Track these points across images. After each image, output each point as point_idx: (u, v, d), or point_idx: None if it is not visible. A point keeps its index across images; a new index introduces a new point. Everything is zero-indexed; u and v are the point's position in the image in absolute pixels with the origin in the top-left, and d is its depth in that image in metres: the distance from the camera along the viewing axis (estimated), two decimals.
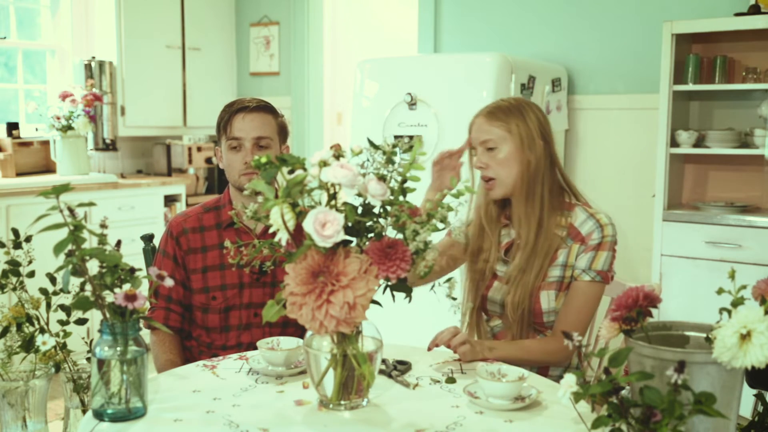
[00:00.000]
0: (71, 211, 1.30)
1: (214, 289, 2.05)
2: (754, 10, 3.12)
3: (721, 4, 3.41)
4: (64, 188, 1.27)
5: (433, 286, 1.99)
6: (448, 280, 1.49)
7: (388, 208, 1.34)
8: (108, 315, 1.32)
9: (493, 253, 1.97)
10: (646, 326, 1.27)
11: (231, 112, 2.05)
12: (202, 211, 2.12)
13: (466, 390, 1.49)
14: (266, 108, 2.07)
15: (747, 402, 1.34)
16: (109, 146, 4.60)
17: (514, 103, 1.94)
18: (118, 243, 1.43)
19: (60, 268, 1.32)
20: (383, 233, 1.33)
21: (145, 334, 1.73)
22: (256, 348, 1.72)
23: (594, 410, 1.16)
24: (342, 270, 1.27)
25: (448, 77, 3.33)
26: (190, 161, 4.81)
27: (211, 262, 2.05)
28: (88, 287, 1.33)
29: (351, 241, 1.34)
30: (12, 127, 4.27)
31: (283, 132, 2.12)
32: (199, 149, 4.85)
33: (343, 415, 1.40)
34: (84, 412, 1.58)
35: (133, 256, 4.59)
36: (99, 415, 1.35)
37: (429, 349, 1.75)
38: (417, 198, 1.37)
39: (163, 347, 2.04)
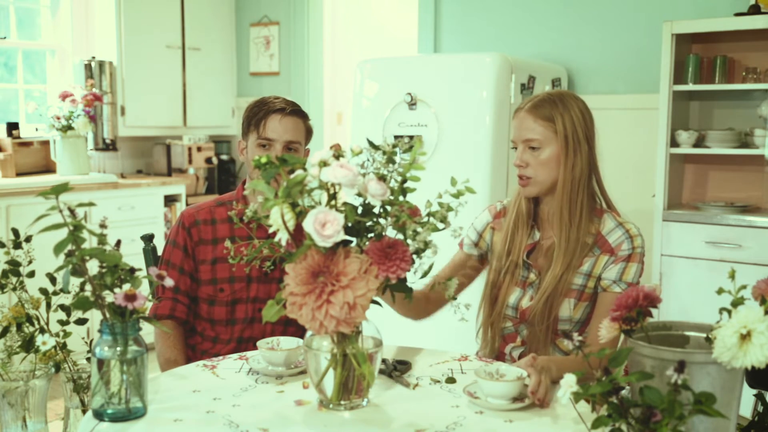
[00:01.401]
0: (71, 211, 1.30)
1: (222, 281, 2.06)
2: (754, 10, 3.12)
3: (721, 4, 3.41)
4: (64, 188, 1.27)
5: (432, 285, 1.99)
6: (449, 279, 1.49)
7: (388, 208, 1.34)
8: (108, 315, 1.32)
9: (519, 257, 1.91)
10: (646, 326, 1.27)
11: (267, 111, 2.07)
12: (214, 205, 2.14)
13: (465, 390, 1.49)
14: (300, 113, 2.12)
15: (747, 402, 1.35)
16: (109, 146, 4.60)
17: (560, 96, 1.86)
18: (118, 243, 1.43)
19: (60, 268, 1.32)
20: (383, 233, 1.33)
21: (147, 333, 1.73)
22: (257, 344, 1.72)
23: (594, 410, 1.16)
24: (342, 270, 1.27)
25: (448, 77, 3.33)
26: (190, 161, 4.81)
27: (221, 254, 2.05)
28: (88, 287, 1.33)
29: (351, 241, 1.34)
30: (12, 127, 4.27)
31: (309, 135, 2.16)
32: (199, 149, 4.85)
33: (343, 415, 1.40)
34: (84, 412, 1.59)
35: (133, 256, 4.57)
36: (99, 415, 1.35)
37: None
38: (417, 198, 1.37)
39: (166, 342, 2.04)
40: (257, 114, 2.08)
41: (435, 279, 2.00)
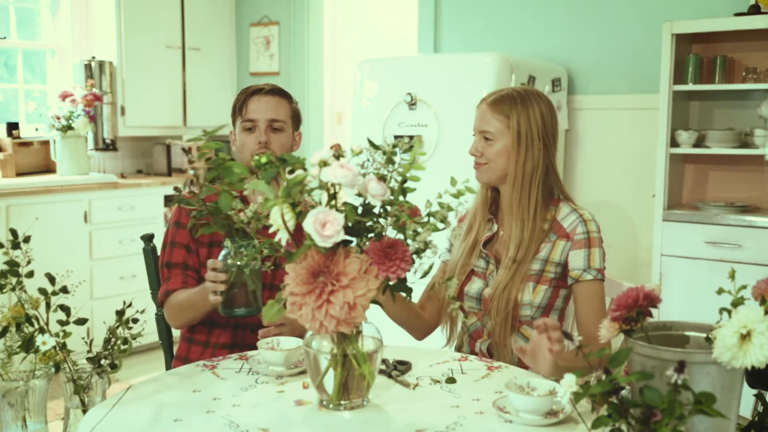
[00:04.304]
0: None
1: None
2: (754, 10, 3.12)
3: (721, 4, 3.41)
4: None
5: (433, 286, 2.00)
6: (449, 279, 1.49)
7: (388, 208, 1.34)
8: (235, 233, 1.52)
9: (475, 247, 1.97)
10: (646, 326, 1.27)
11: (247, 93, 2.12)
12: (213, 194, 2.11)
13: (495, 404, 1.42)
14: (281, 92, 2.14)
15: (747, 402, 1.34)
16: (109, 146, 4.60)
17: (523, 94, 1.92)
18: None
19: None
20: (383, 233, 1.33)
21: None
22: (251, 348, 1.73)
23: (594, 410, 1.16)
24: (342, 270, 1.27)
25: (448, 77, 3.33)
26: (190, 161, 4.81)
27: (220, 238, 2.02)
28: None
29: (351, 241, 1.34)
30: (12, 127, 4.27)
31: (296, 118, 2.18)
32: (199, 149, 4.84)
33: (343, 415, 1.40)
34: (84, 412, 1.58)
35: (133, 256, 4.55)
36: (231, 313, 1.71)
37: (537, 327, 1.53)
38: (417, 198, 1.37)
39: (182, 300, 1.99)
40: (239, 99, 2.13)
41: (424, 293, 2.04)
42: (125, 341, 1.58)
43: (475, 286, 1.95)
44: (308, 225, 1.25)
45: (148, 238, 2.27)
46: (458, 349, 2.02)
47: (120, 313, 1.59)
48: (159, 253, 2.21)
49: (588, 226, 1.89)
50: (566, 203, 1.94)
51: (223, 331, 2.07)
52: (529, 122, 1.89)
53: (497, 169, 1.91)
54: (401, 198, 1.34)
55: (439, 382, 1.60)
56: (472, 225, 2.00)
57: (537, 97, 1.93)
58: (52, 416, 1.75)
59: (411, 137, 3.34)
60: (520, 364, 1.85)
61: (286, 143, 2.12)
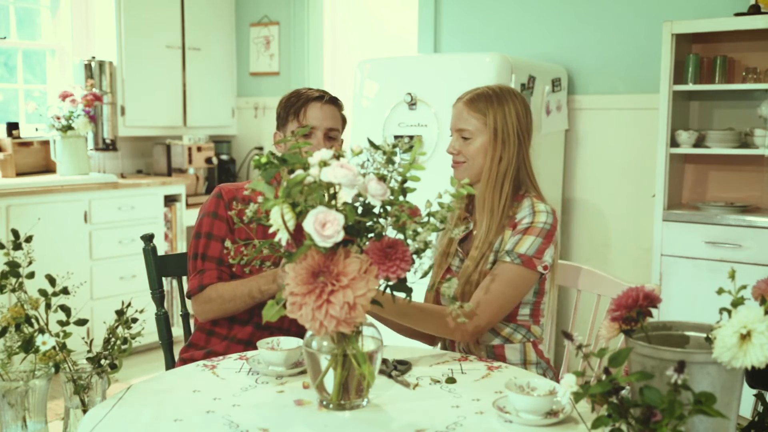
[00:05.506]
0: None
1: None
2: (754, 10, 3.12)
3: (721, 4, 3.41)
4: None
5: (434, 285, 2.01)
6: (449, 279, 1.49)
7: (388, 208, 1.34)
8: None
9: (451, 245, 1.98)
10: (646, 326, 1.27)
11: (307, 99, 2.11)
12: None
13: (495, 404, 1.42)
14: (337, 102, 2.18)
15: (747, 402, 1.34)
16: (109, 146, 4.60)
17: (498, 92, 1.94)
18: None
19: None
20: (383, 233, 1.33)
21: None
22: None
23: (594, 410, 1.16)
24: (342, 270, 1.27)
25: (448, 77, 3.33)
26: (190, 161, 4.81)
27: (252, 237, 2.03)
28: None
29: (351, 241, 1.34)
30: (12, 127, 4.27)
31: (344, 124, 2.21)
32: (199, 149, 4.85)
33: (343, 415, 1.40)
34: (84, 412, 1.58)
35: (133, 256, 4.55)
36: None
37: None
38: (417, 198, 1.37)
39: (226, 291, 2.00)
40: (296, 103, 2.12)
41: (429, 296, 2.03)
42: (125, 341, 1.58)
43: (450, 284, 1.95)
44: (308, 225, 1.25)
45: (148, 238, 2.27)
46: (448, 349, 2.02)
47: (120, 313, 1.59)
48: (160, 253, 2.20)
49: (535, 216, 1.87)
50: (529, 198, 1.92)
51: (242, 328, 2.05)
52: (505, 120, 1.91)
53: (475, 167, 1.93)
54: (401, 198, 1.34)
55: (439, 382, 1.60)
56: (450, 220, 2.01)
57: (512, 95, 1.94)
58: (52, 416, 1.75)
59: (411, 137, 3.34)
60: (499, 358, 1.89)
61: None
